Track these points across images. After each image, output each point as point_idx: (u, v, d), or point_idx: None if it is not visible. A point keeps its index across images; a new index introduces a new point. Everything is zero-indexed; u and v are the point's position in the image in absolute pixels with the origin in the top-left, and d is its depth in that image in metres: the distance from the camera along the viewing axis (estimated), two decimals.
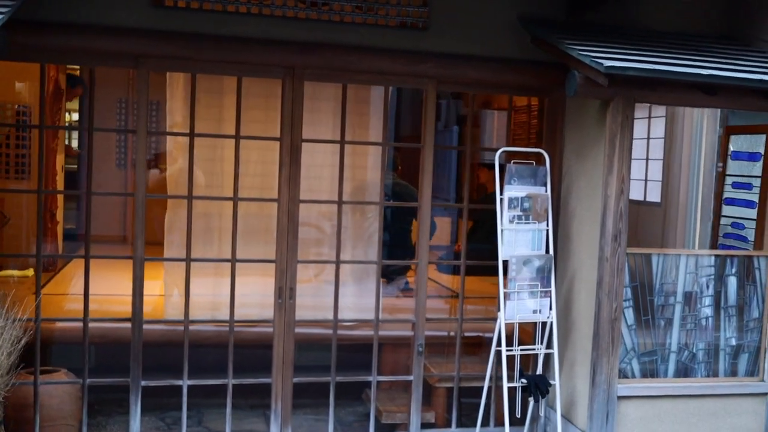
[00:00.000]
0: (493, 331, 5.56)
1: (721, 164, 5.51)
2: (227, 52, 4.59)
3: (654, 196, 6.44)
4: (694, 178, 5.99)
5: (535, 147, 5.21)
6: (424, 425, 5.14)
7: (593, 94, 4.42)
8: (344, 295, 5.27)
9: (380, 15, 4.80)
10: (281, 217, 4.79)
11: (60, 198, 7.33)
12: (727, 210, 5.37)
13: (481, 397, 5.22)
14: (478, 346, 5.73)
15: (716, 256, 4.81)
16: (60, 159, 7.36)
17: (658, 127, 6.32)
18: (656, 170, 6.42)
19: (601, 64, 4.04)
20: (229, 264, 4.80)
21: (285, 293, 4.81)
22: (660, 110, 6.19)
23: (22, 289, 5.05)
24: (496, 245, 5.02)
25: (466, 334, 5.58)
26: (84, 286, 4.60)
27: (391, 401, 5.33)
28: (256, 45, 4.61)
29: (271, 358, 4.89)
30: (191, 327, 4.79)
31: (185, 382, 4.75)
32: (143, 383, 4.66)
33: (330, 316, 5.01)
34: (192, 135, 4.69)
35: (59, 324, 5.20)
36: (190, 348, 4.78)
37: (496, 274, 4.77)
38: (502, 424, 5.17)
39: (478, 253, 5.42)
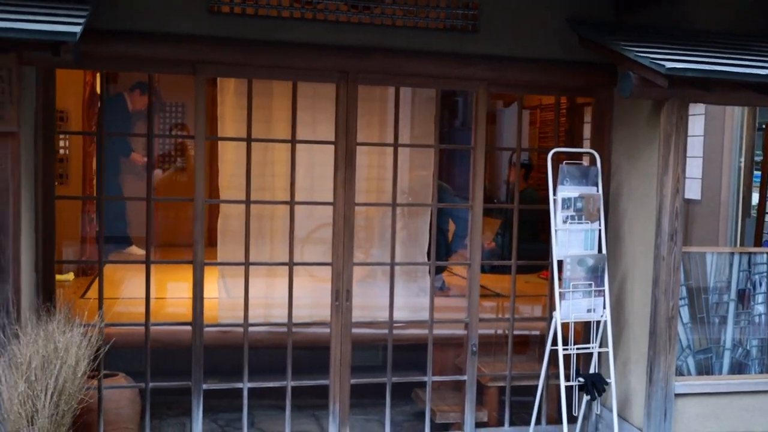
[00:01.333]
0: (538, 330, 5.67)
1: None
2: (282, 57, 4.64)
3: (693, 193, 6.49)
4: (734, 175, 6.03)
5: (566, 145, 5.27)
6: (477, 424, 5.19)
7: (648, 94, 4.47)
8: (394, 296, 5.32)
9: (431, 18, 4.85)
10: (337, 219, 4.84)
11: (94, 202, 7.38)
12: None
13: (530, 395, 5.29)
14: (525, 345, 5.78)
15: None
16: (94, 163, 7.41)
17: (697, 125, 6.37)
18: (695, 168, 6.46)
19: (663, 65, 4.09)
20: (280, 267, 4.83)
21: (342, 295, 4.86)
22: (699, 108, 6.23)
23: (65, 294, 5.09)
24: (527, 243, 5.10)
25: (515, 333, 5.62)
26: (145, 290, 4.65)
27: (442, 401, 5.37)
28: (310, 50, 4.66)
29: (323, 359, 4.95)
30: (239, 329, 4.83)
31: (245, 385, 4.80)
32: (205, 386, 4.71)
33: (378, 316, 5.06)
34: (249, 140, 4.73)
35: (112, 328, 5.24)
36: (240, 350, 4.82)
37: (528, 272, 4.83)
38: (554, 423, 5.27)
39: (509, 251, 5.46)
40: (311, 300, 5.29)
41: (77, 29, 3.46)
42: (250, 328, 4.84)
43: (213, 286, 5.70)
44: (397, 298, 5.53)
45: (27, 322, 3.71)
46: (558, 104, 5.46)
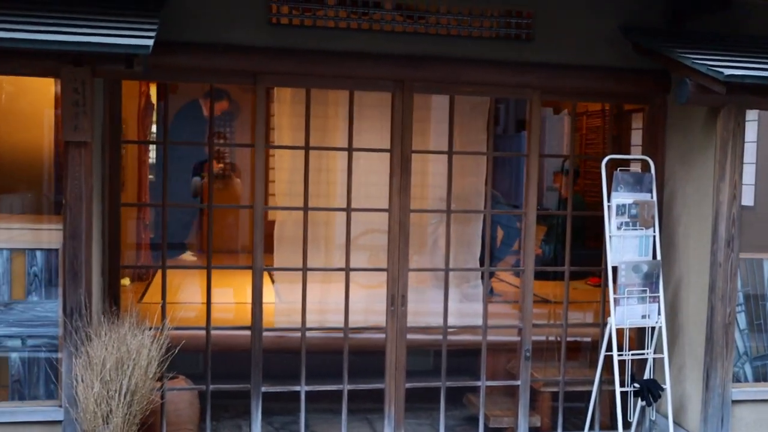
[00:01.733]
0: (588, 336, 5.68)
1: None
2: (339, 67, 4.74)
3: (746, 199, 6.44)
4: None
5: (612, 152, 5.31)
6: (530, 429, 5.22)
7: (705, 101, 4.49)
8: (440, 301, 5.39)
9: (485, 27, 4.91)
10: (392, 226, 4.92)
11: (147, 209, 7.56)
12: None
13: (579, 401, 5.33)
14: (576, 351, 5.78)
15: None
16: (146, 171, 7.58)
17: (751, 131, 6.33)
18: (749, 174, 6.42)
19: (721, 72, 4.10)
20: (333, 272, 4.91)
21: (397, 300, 4.93)
22: (752, 114, 6.20)
23: (125, 298, 5.22)
24: (575, 250, 5.13)
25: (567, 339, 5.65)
26: (206, 295, 4.77)
27: (494, 405, 5.41)
28: (367, 59, 4.75)
29: (372, 363, 5.01)
30: (294, 334, 4.92)
31: (303, 388, 4.90)
32: (263, 389, 4.81)
33: (428, 321, 5.12)
34: (307, 148, 4.83)
35: (173, 332, 5.37)
36: (294, 354, 4.90)
37: (577, 278, 4.83)
38: (607, 428, 5.28)
39: (554, 257, 5.48)
40: (360, 305, 5.34)
41: (149, 42, 3.59)
42: (306, 333, 4.94)
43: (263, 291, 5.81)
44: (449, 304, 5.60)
45: (99, 324, 3.84)
46: (604, 111, 5.48)
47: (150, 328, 3.99)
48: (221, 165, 8.38)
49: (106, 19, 3.91)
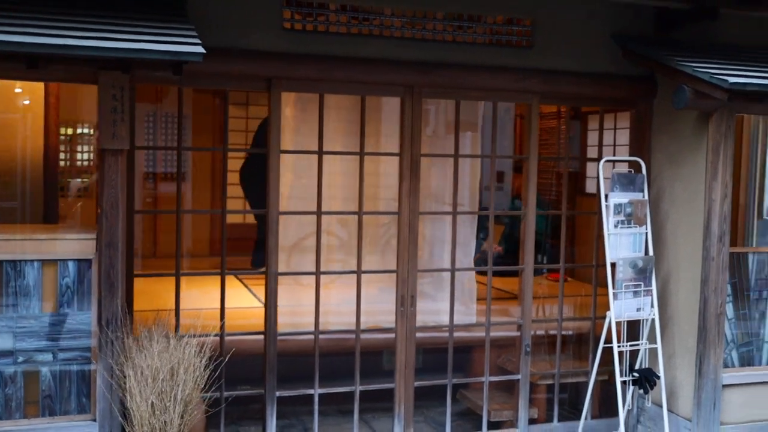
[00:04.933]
0: (570, 329, 5.93)
1: None
2: (352, 72, 4.80)
3: None
4: (752, 179, 6.36)
5: (565, 153, 5.60)
6: (528, 421, 5.42)
7: (701, 106, 4.78)
8: (442, 300, 5.52)
9: (488, 34, 5.07)
10: (402, 228, 5.01)
11: None
12: None
13: (566, 392, 5.58)
14: (565, 345, 6.00)
15: None
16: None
17: None
18: None
19: (725, 80, 4.40)
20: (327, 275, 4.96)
21: (407, 301, 5.04)
22: None
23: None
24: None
25: (552, 333, 5.87)
26: (220, 301, 4.73)
27: (491, 400, 5.57)
28: (379, 65, 4.83)
29: (375, 364, 5.09)
30: (292, 338, 4.95)
31: (316, 391, 4.93)
32: (278, 394, 4.82)
33: (425, 321, 5.25)
34: (321, 153, 4.86)
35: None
36: (298, 357, 4.92)
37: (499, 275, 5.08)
38: (598, 417, 5.56)
39: (512, 256, 5.64)
40: (368, 306, 5.33)
41: (200, 49, 3.56)
42: (303, 337, 4.97)
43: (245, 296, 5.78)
44: (442, 303, 5.73)
45: (145, 335, 3.78)
46: (559, 113, 5.72)
47: (194, 336, 3.95)
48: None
49: (138, 24, 3.83)
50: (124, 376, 3.71)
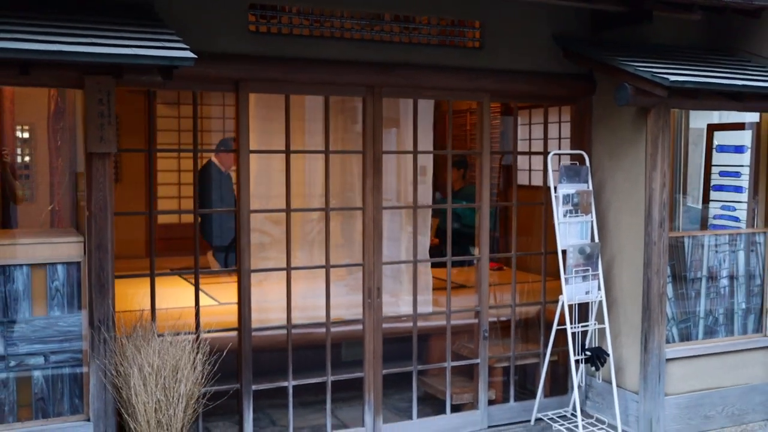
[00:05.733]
0: (521, 314, 6.26)
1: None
2: (316, 73, 4.97)
3: None
4: (678, 168, 6.85)
5: (472, 147, 5.96)
6: (488, 402, 5.72)
7: (641, 102, 5.17)
8: (401, 293, 5.76)
9: (442, 36, 5.33)
10: (367, 223, 5.22)
11: None
12: (715, 195, 6.31)
13: (521, 374, 5.92)
14: (507, 330, 6.29)
15: (730, 234, 5.74)
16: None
17: None
18: None
19: (666, 78, 4.79)
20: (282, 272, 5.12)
21: (373, 293, 5.25)
22: None
23: None
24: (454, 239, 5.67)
25: (503, 318, 6.18)
26: (195, 300, 4.82)
27: (451, 384, 5.84)
28: (342, 66, 5.01)
29: (343, 354, 5.29)
30: (264, 333, 5.07)
31: (290, 383, 5.08)
32: (254, 387, 4.95)
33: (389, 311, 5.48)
34: (288, 152, 5.01)
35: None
36: (264, 352, 5.04)
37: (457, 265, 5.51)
38: (550, 395, 5.92)
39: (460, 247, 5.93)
40: (311, 301, 5.48)
41: (191, 54, 3.67)
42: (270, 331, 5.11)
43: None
44: (402, 296, 5.97)
45: (139, 334, 3.86)
46: (470, 110, 5.96)
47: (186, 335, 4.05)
48: None
49: (119, 30, 3.90)
50: (119, 375, 3.79)
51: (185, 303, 5.12)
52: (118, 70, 3.70)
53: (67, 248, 3.95)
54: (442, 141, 6.54)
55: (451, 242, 5.64)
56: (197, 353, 3.86)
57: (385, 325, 5.45)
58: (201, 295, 6.19)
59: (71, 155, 5.00)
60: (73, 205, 4.46)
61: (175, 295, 5.27)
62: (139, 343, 3.79)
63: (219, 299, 5.90)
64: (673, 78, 4.81)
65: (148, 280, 4.65)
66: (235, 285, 5.37)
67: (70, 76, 3.75)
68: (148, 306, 4.58)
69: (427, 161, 5.92)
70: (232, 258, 6.22)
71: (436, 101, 5.78)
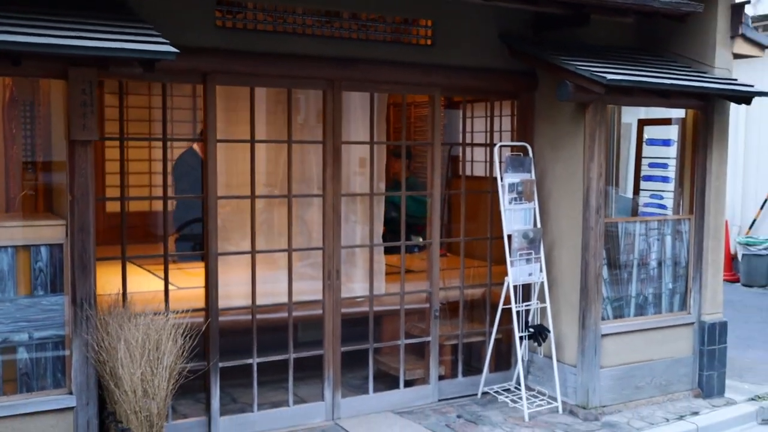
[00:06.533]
0: (468, 296, 6.66)
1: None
2: (280, 67, 5.25)
3: None
4: (611, 160, 7.34)
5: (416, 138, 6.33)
6: (438, 377, 6.11)
7: (580, 98, 5.62)
8: (355, 276, 6.08)
9: (396, 33, 5.67)
10: (327, 209, 5.53)
11: None
12: (645, 185, 6.83)
13: (466, 351, 6.32)
14: (455, 310, 6.67)
15: (659, 221, 6.26)
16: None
17: None
18: None
19: (604, 76, 5.24)
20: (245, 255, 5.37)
21: (333, 275, 5.57)
22: None
23: None
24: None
25: (451, 300, 6.56)
26: (164, 283, 5.05)
27: (399, 361, 6.19)
28: (303, 61, 5.30)
29: (301, 335, 5.59)
30: (229, 318, 5.33)
31: (255, 360, 5.37)
32: (220, 365, 5.22)
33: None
34: (252, 141, 5.29)
35: None
36: (228, 334, 5.29)
37: (407, 252, 5.95)
38: (494, 371, 6.34)
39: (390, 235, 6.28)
40: (269, 286, 5.73)
41: (172, 48, 3.93)
42: (234, 314, 5.36)
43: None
44: (356, 280, 6.28)
45: (119, 312, 4.10)
46: (432, 102, 6.30)
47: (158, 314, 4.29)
48: None
49: (97, 23, 4.10)
50: (102, 350, 4.02)
51: (147, 288, 5.36)
52: (104, 62, 3.91)
53: (51, 231, 4.16)
54: (393, 134, 6.91)
55: (403, 229, 5.98)
56: (176, 329, 4.10)
57: (342, 310, 5.75)
58: (158, 281, 6.42)
59: (44, 143, 5.18)
60: (49, 191, 4.65)
61: (135, 281, 5.40)
62: (121, 320, 4.02)
63: (177, 284, 6.10)
64: (610, 76, 5.26)
65: (110, 266, 4.83)
66: (191, 272, 5.63)
67: (55, 67, 3.95)
68: (117, 290, 4.78)
69: (374, 153, 6.13)
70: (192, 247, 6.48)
71: (386, 95, 6.11)
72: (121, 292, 4.79)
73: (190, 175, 6.65)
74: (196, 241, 6.95)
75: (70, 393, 4.18)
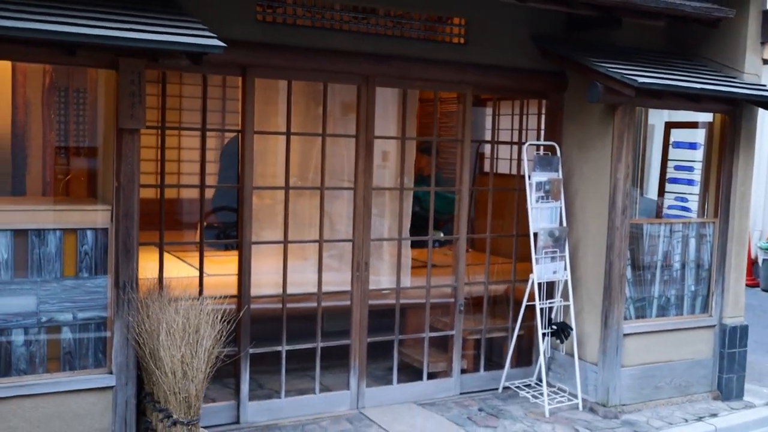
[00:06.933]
0: (491, 292, 6.76)
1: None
2: (317, 62, 5.36)
3: None
4: (636, 162, 7.41)
5: (443, 135, 6.42)
6: (460, 371, 6.22)
7: (610, 100, 5.70)
8: (381, 269, 6.20)
9: (431, 31, 5.77)
10: (358, 202, 5.65)
11: None
12: (670, 187, 6.91)
13: (487, 346, 6.42)
14: (479, 306, 6.77)
15: (683, 223, 6.34)
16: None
17: None
18: None
19: (635, 80, 5.32)
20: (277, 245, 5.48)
21: (361, 266, 5.68)
22: None
23: None
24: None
25: (475, 295, 6.66)
26: (199, 270, 5.18)
27: (423, 354, 6.31)
28: (341, 56, 5.42)
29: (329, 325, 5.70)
30: (260, 306, 5.44)
31: (284, 347, 5.50)
32: (251, 351, 5.35)
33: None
34: (288, 134, 5.41)
35: None
36: (258, 322, 5.40)
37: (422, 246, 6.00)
38: (516, 366, 6.44)
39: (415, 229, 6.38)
40: (298, 275, 5.84)
41: (221, 43, 4.05)
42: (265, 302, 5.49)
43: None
44: (375, 273, 6.37)
45: (161, 296, 4.24)
46: (459, 99, 6.37)
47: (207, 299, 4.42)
48: None
49: (147, 17, 4.22)
50: (143, 332, 4.16)
51: (177, 274, 5.47)
52: (154, 54, 4.04)
53: (96, 215, 4.30)
54: (419, 129, 6.98)
55: (431, 224, 6.09)
56: (214, 314, 4.23)
57: (369, 301, 5.86)
58: (187, 267, 6.56)
59: (88, 130, 5.32)
60: (92, 176, 4.79)
61: (166, 267, 5.51)
62: (161, 303, 4.16)
63: (207, 272, 6.23)
64: (641, 80, 5.34)
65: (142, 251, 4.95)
66: (216, 260, 5.74)
67: (106, 57, 4.08)
68: (152, 275, 4.93)
69: (405, 148, 6.21)
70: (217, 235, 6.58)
71: (417, 92, 6.21)
72: (158, 277, 4.96)
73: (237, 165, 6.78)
74: (221, 230, 7.11)
75: (110, 373, 4.32)
